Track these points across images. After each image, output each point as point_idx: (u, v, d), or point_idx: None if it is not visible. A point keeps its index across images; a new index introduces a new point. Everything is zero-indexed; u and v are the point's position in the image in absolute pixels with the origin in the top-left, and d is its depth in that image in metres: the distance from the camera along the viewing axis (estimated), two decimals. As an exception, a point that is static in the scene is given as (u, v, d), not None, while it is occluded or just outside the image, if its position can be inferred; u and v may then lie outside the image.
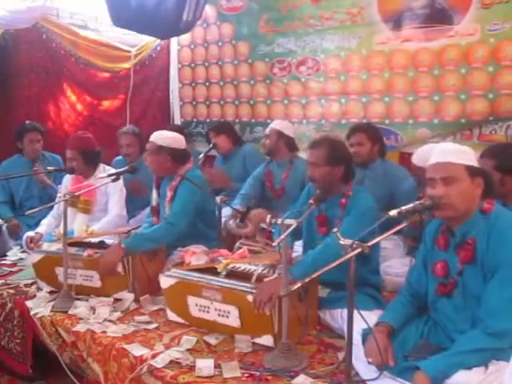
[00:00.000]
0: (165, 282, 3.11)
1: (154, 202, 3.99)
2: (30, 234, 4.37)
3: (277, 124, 4.83)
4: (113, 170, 4.35)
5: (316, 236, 3.25)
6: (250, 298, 2.75)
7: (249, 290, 2.80)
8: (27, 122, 5.12)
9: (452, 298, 2.38)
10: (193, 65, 6.22)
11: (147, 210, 4.60)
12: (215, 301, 2.91)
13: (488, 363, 2.13)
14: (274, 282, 2.79)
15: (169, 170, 3.82)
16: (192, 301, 3.01)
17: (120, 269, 3.40)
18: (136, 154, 4.99)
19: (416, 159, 3.56)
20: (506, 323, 2.16)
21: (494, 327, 2.16)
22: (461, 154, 2.32)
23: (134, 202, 4.96)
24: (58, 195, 4.30)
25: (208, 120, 6.19)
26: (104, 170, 4.36)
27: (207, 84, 6.14)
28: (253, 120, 5.79)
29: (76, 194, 3.71)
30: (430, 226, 2.56)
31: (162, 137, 3.83)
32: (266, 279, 2.86)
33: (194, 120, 6.31)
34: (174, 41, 6.25)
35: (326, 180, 3.11)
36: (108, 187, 4.25)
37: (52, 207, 4.41)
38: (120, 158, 5.27)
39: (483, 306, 2.24)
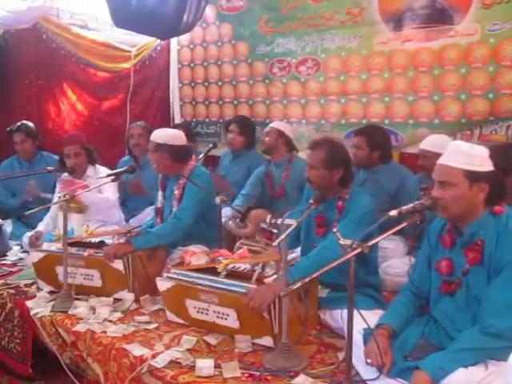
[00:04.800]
0: (161, 285, 3.11)
1: (158, 204, 3.97)
2: (30, 233, 4.39)
3: (277, 124, 4.87)
4: (104, 170, 4.36)
5: (314, 237, 3.24)
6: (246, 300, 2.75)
7: (246, 291, 2.79)
8: (18, 123, 5.12)
9: (454, 298, 2.38)
10: (192, 65, 6.21)
11: (148, 210, 4.61)
12: (213, 303, 2.91)
13: (487, 362, 2.13)
14: (269, 287, 2.76)
15: (171, 169, 3.79)
16: (190, 303, 3.01)
17: (121, 267, 3.40)
18: (145, 146, 4.92)
19: (425, 144, 3.84)
20: (505, 323, 2.16)
21: (494, 327, 2.16)
22: (465, 157, 2.27)
23: (135, 201, 4.97)
24: (57, 195, 4.29)
25: (207, 120, 6.19)
26: (94, 170, 4.37)
27: (206, 84, 6.14)
28: (251, 120, 5.76)
29: (76, 194, 3.69)
30: (434, 224, 2.56)
31: (160, 135, 3.80)
32: (266, 280, 2.87)
33: (194, 120, 6.31)
34: (173, 41, 6.23)
35: (323, 183, 3.11)
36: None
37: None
38: (126, 158, 5.30)
39: (484, 305, 2.24)
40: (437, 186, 2.33)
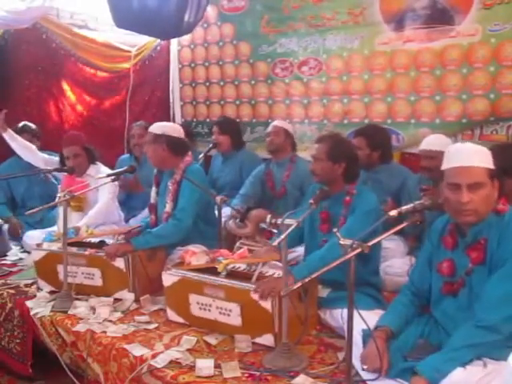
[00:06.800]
0: (167, 279, 3.11)
1: (152, 200, 3.98)
2: (31, 233, 4.38)
3: (281, 123, 4.82)
4: (105, 170, 4.34)
5: (319, 234, 3.24)
6: (253, 294, 2.74)
7: (252, 288, 2.79)
8: (20, 123, 5.08)
9: (457, 298, 2.37)
10: (193, 65, 6.22)
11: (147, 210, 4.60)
12: (217, 298, 2.90)
13: (485, 361, 2.12)
14: (277, 280, 2.79)
15: (168, 161, 3.77)
16: (194, 299, 3.01)
17: (122, 265, 3.40)
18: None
19: (428, 144, 3.71)
20: (496, 316, 2.14)
21: (485, 321, 2.15)
22: (482, 156, 2.26)
23: (135, 201, 4.96)
24: (58, 195, 4.28)
25: (208, 120, 6.20)
26: (96, 170, 4.35)
27: (207, 84, 6.15)
28: (254, 120, 5.80)
29: (76, 194, 3.67)
30: (435, 225, 2.54)
31: (159, 126, 3.82)
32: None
33: (194, 120, 6.32)
34: (174, 41, 6.25)
35: (326, 175, 3.13)
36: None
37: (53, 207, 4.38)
38: (125, 156, 5.32)
39: (480, 300, 2.23)
40: (464, 190, 2.21)
